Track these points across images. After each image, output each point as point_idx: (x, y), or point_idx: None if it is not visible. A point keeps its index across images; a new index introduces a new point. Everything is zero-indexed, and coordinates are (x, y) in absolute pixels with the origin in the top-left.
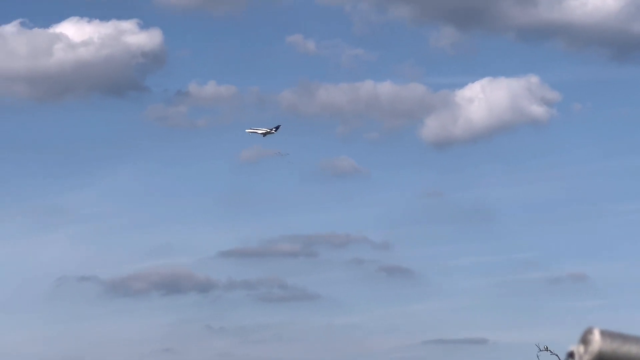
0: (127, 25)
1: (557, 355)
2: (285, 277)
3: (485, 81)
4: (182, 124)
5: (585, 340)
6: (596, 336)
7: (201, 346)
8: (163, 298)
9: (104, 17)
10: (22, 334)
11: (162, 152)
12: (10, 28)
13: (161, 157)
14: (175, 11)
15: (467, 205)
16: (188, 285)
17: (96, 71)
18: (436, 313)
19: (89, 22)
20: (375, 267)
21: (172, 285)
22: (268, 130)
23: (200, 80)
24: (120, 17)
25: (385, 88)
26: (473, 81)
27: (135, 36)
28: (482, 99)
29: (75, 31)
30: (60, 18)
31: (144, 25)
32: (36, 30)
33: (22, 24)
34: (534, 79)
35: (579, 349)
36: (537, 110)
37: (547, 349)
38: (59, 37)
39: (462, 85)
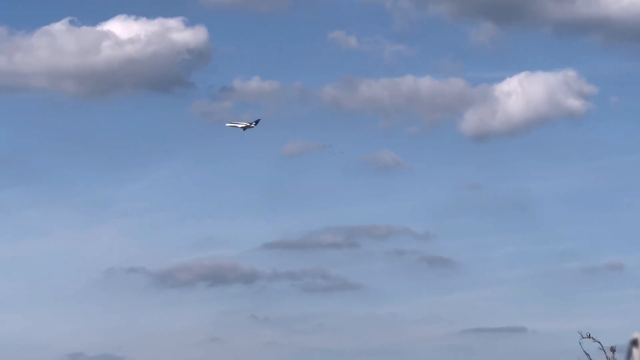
0: (173, 22)
1: (599, 342)
2: (328, 267)
3: (522, 75)
4: (227, 119)
5: None
6: None
7: (246, 336)
8: (209, 289)
9: (150, 15)
10: (72, 324)
11: (208, 146)
12: (60, 26)
13: (206, 151)
14: (219, 8)
15: (506, 197)
16: (233, 276)
17: (143, 68)
18: (476, 302)
19: (135, 20)
20: (416, 257)
21: (217, 277)
22: (248, 124)
23: (244, 76)
24: (166, 14)
25: (426, 83)
26: (511, 75)
27: (180, 33)
28: (520, 93)
29: (123, 29)
30: (107, 16)
31: (190, 23)
32: (84, 28)
33: (71, 22)
34: (570, 73)
35: None
36: (574, 103)
37: (589, 336)
38: (106, 35)
39: (500, 79)
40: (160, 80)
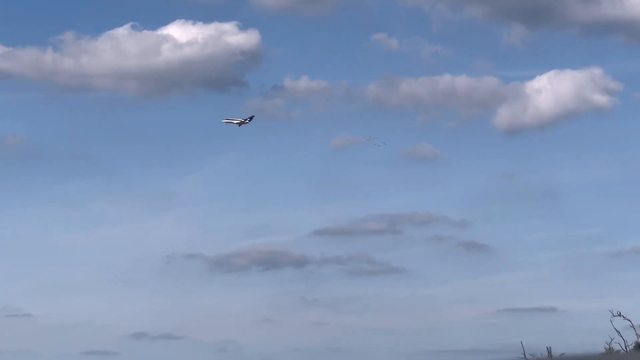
0: (228, 26)
1: (629, 320)
2: (373, 253)
3: (552, 73)
4: (278, 116)
5: None
6: None
7: (297, 316)
8: (262, 273)
9: (206, 19)
10: (137, 306)
11: (261, 141)
12: (123, 31)
13: (260, 145)
14: (270, 13)
15: (537, 186)
16: (285, 261)
17: (200, 69)
18: (510, 284)
19: (193, 24)
20: (454, 243)
21: (270, 262)
22: (243, 120)
23: (294, 75)
24: (221, 19)
25: (462, 81)
26: (541, 74)
27: (235, 36)
28: (550, 89)
29: (181, 33)
30: (167, 21)
31: (243, 27)
32: (146, 32)
33: (133, 27)
34: (597, 71)
35: None
36: (600, 99)
37: (619, 315)
38: (166, 38)
39: (531, 77)
40: (216, 80)
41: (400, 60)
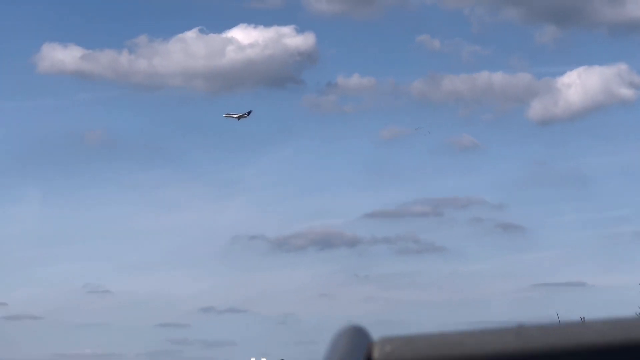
0: (286, 30)
1: None
2: (418, 233)
3: (581, 69)
4: (332, 110)
5: None
6: None
7: (349, 291)
8: (319, 253)
9: (267, 23)
10: (204, 283)
11: (316, 133)
12: (191, 34)
13: (315, 137)
14: (325, 18)
15: (568, 172)
16: (339, 241)
17: (261, 68)
18: (543, 261)
19: (254, 28)
20: (492, 224)
21: (325, 242)
22: (241, 114)
23: (346, 73)
24: (280, 23)
25: (498, 77)
26: (571, 70)
27: (292, 39)
28: (579, 84)
29: (244, 36)
30: (231, 25)
31: (300, 30)
32: (212, 36)
33: (200, 31)
34: (623, 67)
35: None
36: (626, 92)
37: None
38: (230, 41)
39: (561, 73)
40: (276, 78)
41: (442, 59)
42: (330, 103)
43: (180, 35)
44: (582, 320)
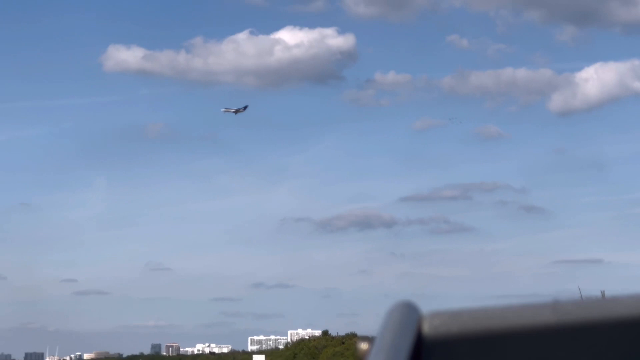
0: (329, 31)
1: None
2: (449, 215)
3: (597, 65)
4: (370, 104)
5: None
6: None
7: (387, 268)
8: (358, 233)
9: (311, 26)
10: (255, 261)
11: (356, 124)
12: (242, 35)
13: (355, 128)
14: (364, 20)
15: (585, 158)
16: (377, 222)
17: (306, 66)
18: (563, 240)
19: (300, 29)
20: (516, 206)
21: (365, 223)
22: (238, 109)
23: (383, 70)
24: (323, 25)
25: (521, 73)
26: (588, 65)
27: (334, 39)
28: (596, 78)
29: (290, 37)
30: (279, 27)
31: (341, 31)
32: (261, 37)
33: (251, 32)
34: (636, 62)
35: None
36: (639, 85)
37: None
38: (278, 42)
39: (579, 69)
40: (319, 75)
41: (470, 57)
42: (369, 97)
43: (232, 37)
44: (602, 295)
